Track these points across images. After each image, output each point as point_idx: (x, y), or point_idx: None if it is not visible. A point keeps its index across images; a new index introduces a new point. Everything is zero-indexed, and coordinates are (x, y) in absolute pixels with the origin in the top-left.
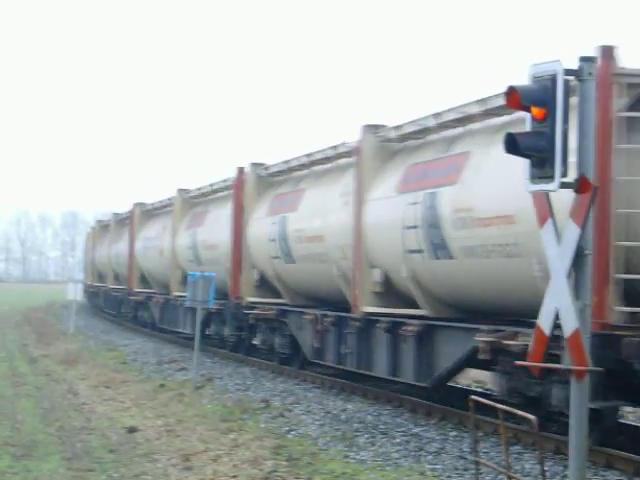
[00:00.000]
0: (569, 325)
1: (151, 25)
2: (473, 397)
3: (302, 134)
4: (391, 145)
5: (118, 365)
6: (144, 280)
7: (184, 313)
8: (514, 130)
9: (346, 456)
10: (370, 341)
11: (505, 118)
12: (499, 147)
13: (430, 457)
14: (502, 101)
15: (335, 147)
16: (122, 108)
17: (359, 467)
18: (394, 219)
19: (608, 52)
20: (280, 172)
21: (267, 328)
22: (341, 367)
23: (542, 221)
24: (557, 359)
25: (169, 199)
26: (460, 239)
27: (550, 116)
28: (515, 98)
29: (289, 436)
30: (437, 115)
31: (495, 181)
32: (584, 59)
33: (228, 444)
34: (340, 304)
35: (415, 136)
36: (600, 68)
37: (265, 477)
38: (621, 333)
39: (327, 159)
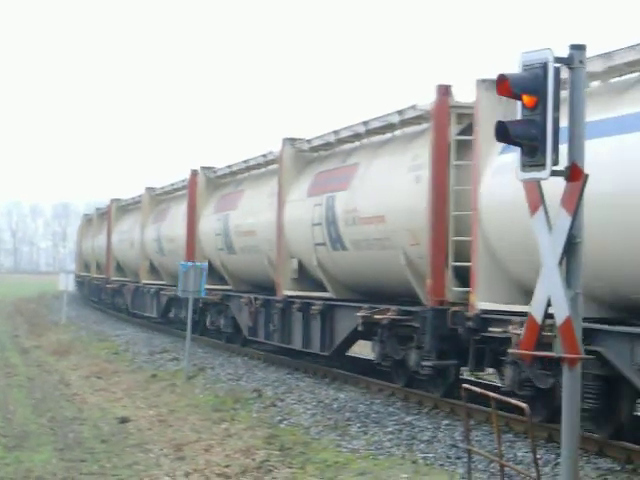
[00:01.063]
0: (561, 313)
1: (132, 21)
2: (465, 386)
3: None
4: (306, 155)
5: (110, 355)
6: (120, 269)
7: (150, 299)
8: (394, 145)
9: (338, 445)
10: (289, 319)
11: (388, 135)
12: (379, 160)
13: (422, 446)
14: (395, 118)
15: (265, 155)
16: (113, 100)
17: (351, 456)
18: (305, 217)
19: (444, 90)
20: (225, 175)
21: (215, 311)
22: (269, 342)
23: (533, 210)
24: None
25: (139, 196)
26: (350, 234)
27: (541, 104)
28: (506, 86)
29: (281, 425)
30: (336, 132)
31: (373, 188)
32: (574, 47)
33: (220, 434)
34: (272, 289)
35: (324, 148)
36: (438, 103)
37: (257, 467)
38: (452, 308)
39: (259, 165)
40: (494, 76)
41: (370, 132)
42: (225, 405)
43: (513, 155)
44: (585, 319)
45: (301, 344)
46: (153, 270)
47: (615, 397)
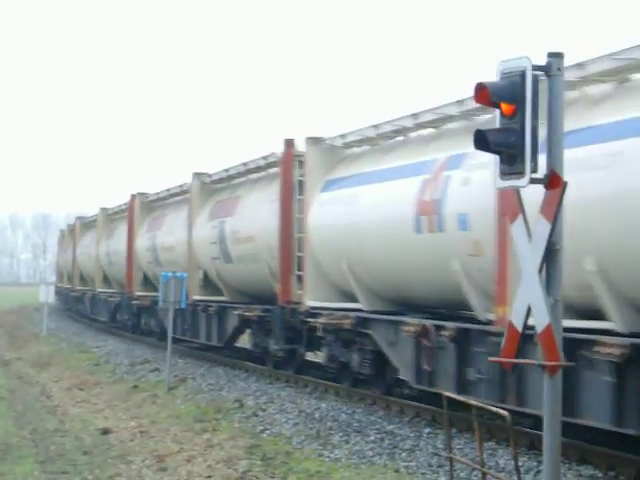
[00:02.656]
0: (541, 321)
1: (121, 30)
2: (446, 394)
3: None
4: (209, 187)
5: (91, 367)
6: (83, 279)
7: (103, 305)
8: (263, 182)
9: (320, 454)
10: (197, 319)
11: (262, 173)
12: (253, 193)
13: (404, 454)
14: (262, 162)
15: (181, 186)
16: (93, 108)
17: (333, 465)
18: (206, 237)
19: (289, 142)
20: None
21: (147, 314)
22: (184, 338)
23: (512, 218)
24: None
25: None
26: (235, 251)
27: (519, 112)
28: (484, 95)
29: (263, 435)
30: (227, 170)
31: (249, 215)
32: (552, 55)
33: (202, 444)
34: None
35: (221, 182)
36: (285, 153)
37: (240, 477)
38: (294, 306)
39: (182, 192)
40: (319, 134)
41: (249, 171)
42: (207, 415)
43: (331, 193)
44: (364, 311)
45: (205, 338)
46: (106, 279)
47: (382, 365)
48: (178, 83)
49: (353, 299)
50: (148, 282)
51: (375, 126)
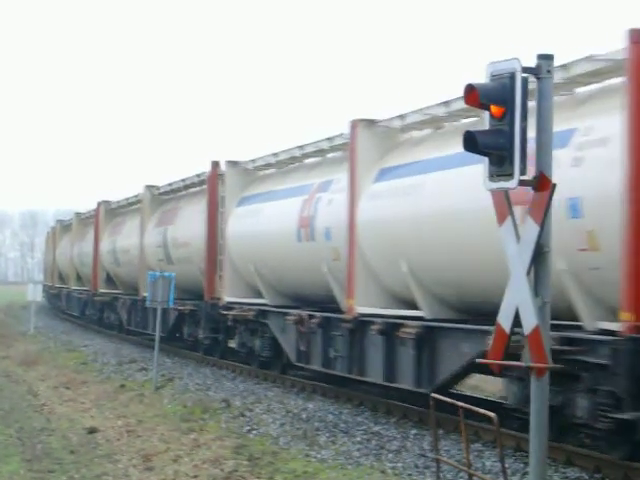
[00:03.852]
0: (529, 322)
1: (111, 22)
2: (433, 395)
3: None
4: (159, 197)
5: (78, 366)
6: (61, 277)
7: (75, 301)
8: (198, 196)
9: (307, 455)
10: (146, 313)
11: (197, 188)
12: (190, 206)
13: (391, 455)
14: (196, 179)
15: (136, 196)
16: (80, 108)
17: (320, 466)
18: (153, 242)
19: (215, 164)
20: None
21: (108, 308)
22: (131, 328)
23: (501, 219)
24: None
25: (70, 219)
26: (175, 254)
27: (509, 114)
28: (474, 96)
29: (250, 435)
30: (171, 184)
31: (185, 224)
32: (542, 57)
33: (189, 444)
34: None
35: (167, 194)
36: (211, 173)
37: (226, 477)
38: (216, 301)
39: (136, 202)
40: (238, 158)
41: (187, 186)
42: (193, 415)
43: (245, 207)
44: (265, 304)
45: (152, 329)
46: (79, 278)
47: (279, 348)
48: (163, 86)
49: (260, 295)
50: (110, 280)
51: (275, 154)
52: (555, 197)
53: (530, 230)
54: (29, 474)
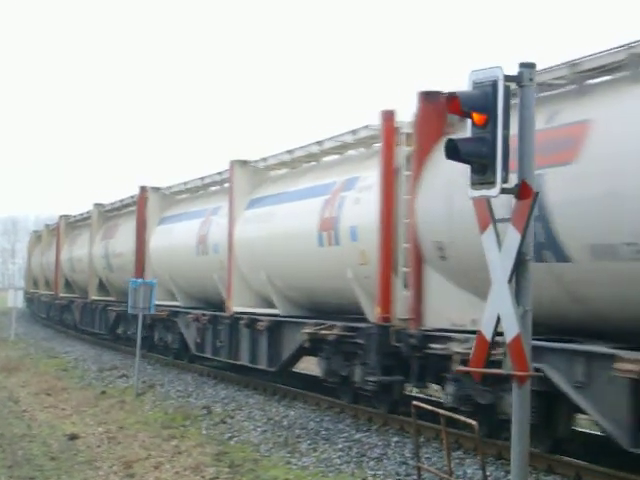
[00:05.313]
0: (510, 330)
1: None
2: (415, 403)
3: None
4: (105, 214)
5: (59, 372)
6: (35, 283)
7: (43, 304)
8: (130, 216)
9: (288, 462)
10: (94, 314)
11: (131, 208)
12: (126, 223)
13: (372, 463)
14: (130, 200)
15: (88, 212)
16: (60, 113)
17: (301, 473)
18: (99, 253)
19: (143, 189)
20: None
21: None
22: (87, 328)
23: (483, 227)
24: None
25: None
26: (114, 263)
27: (491, 122)
28: (456, 104)
29: (231, 442)
30: (112, 204)
31: (123, 237)
32: (524, 65)
33: (170, 451)
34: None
35: (111, 212)
36: (140, 196)
37: None
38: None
39: (88, 218)
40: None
41: (125, 206)
42: (175, 422)
43: (165, 226)
44: (179, 306)
45: (97, 328)
46: (47, 283)
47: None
48: (154, 85)
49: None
50: (69, 285)
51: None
52: (343, 225)
53: (512, 238)
54: None
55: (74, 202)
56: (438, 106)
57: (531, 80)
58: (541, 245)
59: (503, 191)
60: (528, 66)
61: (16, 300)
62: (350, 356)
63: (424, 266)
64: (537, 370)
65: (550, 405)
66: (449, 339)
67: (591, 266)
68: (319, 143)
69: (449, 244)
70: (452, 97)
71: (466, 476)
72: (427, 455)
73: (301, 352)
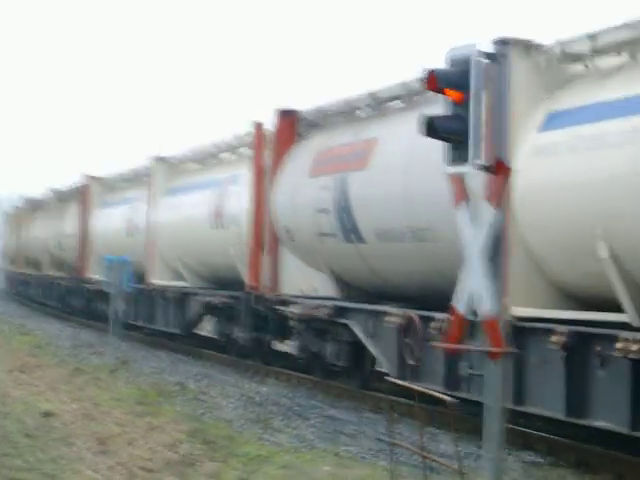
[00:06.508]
0: (484, 307)
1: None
2: (389, 378)
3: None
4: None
5: (33, 349)
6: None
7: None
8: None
9: (261, 438)
10: (50, 288)
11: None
12: (74, 206)
13: (345, 438)
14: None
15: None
16: (37, 86)
17: (274, 449)
18: (50, 234)
19: (88, 178)
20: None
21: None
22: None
23: (458, 203)
24: None
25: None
26: (64, 244)
27: (466, 99)
28: (433, 81)
29: (205, 419)
30: (63, 188)
31: (70, 223)
32: (499, 42)
33: (144, 427)
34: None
35: (65, 196)
36: (82, 187)
37: (181, 460)
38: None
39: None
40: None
41: (72, 192)
42: (148, 398)
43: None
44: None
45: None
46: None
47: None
48: (140, 58)
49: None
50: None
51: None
52: (227, 212)
53: (487, 214)
54: None
55: (62, 176)
56: (292, 121)
57: (505, 57)
58: (348, 230)
59: (478, 167)
60: (503, 43)
61: None
62: (232, 319)
63: (279, 246)
64: (342, 325)
65: (357, 352)
66: (291, 303)
67: (377, 246)
68: (215, 144)
69: (294, 228)
70: (430, 74)
71: (439, 451)
72: (400, 431)
73: (201, 316)
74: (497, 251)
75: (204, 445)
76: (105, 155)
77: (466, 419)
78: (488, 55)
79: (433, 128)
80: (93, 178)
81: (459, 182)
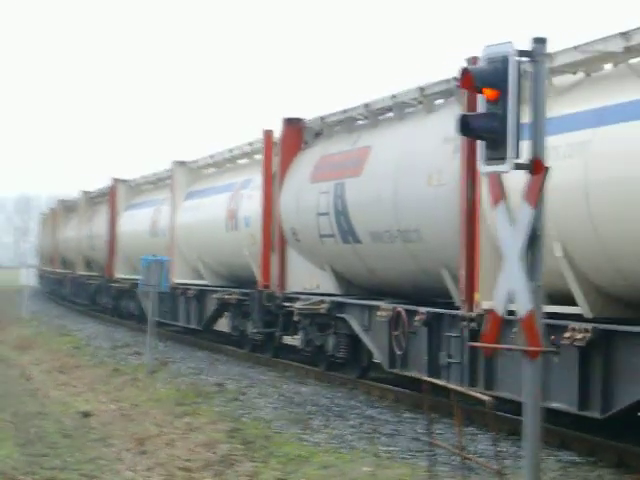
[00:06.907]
0: (523, 306)
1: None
2: (427, 378)
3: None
4: (92, 200)
5: (72, 350)
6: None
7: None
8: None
9: (300, 439)
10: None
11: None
12: (103, 210)
13: (384, 439)
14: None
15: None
16: (73, 91)
17: (313, 449)
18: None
19: (115, 181)
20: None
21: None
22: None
23: (495, 202)
24: None
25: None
26: (96, 245)
27: (502, 98)
28: (468, 80)
29: (244, 419)
30: (95, 191)
31: (101, 223)
32: (537, 40)
33: (182, 428)
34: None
35: (96, 199)
36: (110, 191)
37: (220, 460)
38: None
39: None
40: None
41: (102, 195)
42: (187, 399)
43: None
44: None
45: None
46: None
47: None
48: (163, 70)
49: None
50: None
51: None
52: (240, 215)
53: (525, 213)
54: (23, 458)
55: (91, 179)
56: (297, 128)
57: (543, 55)
58: (346, 232)
59: (515, 166)
60: (540, 41)
61: (29, 278)
62: (246, 315)
63: (286, 246)
64: (341, 319)
65: (355, 344)
66: (297, 299)
67: (372, 246)
68: (230, 150)
69: (299, 229)
70: (465, 73)
71: (478, 451)
72: (439, 431)
73: (218, 313)
74: (533, 250)
75: (243, 445)
76: (134, 159)
77: (506, 419)
78: (526, 53)
79: (468, 126)
80: (120, 181)
81: (496, 181)
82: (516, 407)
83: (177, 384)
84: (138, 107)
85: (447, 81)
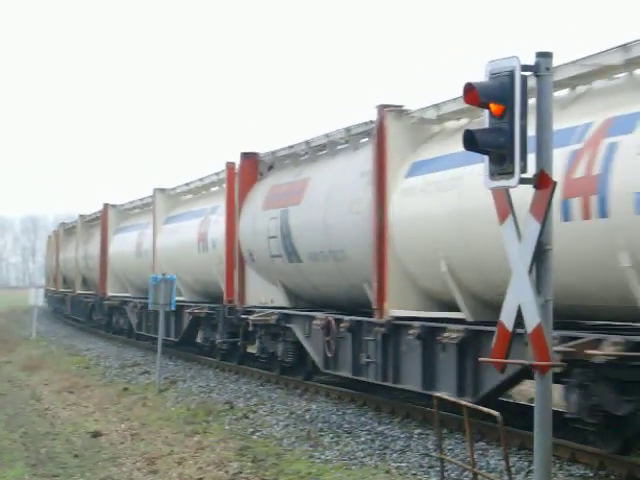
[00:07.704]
0: (531, 321)
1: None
2: (436, 394)
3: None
4: (88, 224)
5: (81, 370)
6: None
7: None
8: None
9: (311, 456)
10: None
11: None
12: (97, 232)
13: (395, 455)
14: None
15: (75, 221)
16: (78, 115)
17: (324, 467)
18: (81, 255)
19: (106, 206)
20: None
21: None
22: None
23: (502, 218)
24: None
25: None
26: (90, 264)
27: (508, 112)
28: (473, 95)
29: (254, 437)
30: (90, 215)
31: (95, 244)
32: (541, 55)
33: (193, 446)
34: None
35: (91, 222)
36: (102, 214)
37: (231, 479)
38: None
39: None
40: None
41: (96, 218)
42: (197, 418)
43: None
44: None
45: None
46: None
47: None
48: (165, 86)
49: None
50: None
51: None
52: (209, 238)
53: (532, 228)
54: (34, 478)
55: (93, 201)
56: (253, 161)
57: (547, 69)
58: (290, 253)
59: (522, 181)
60: (544, 55)
61: (37, 298)
62: (214, 327)
63: (245, 265)
64: (289, 329)
65: (301, 350)
66: (253, 312)
67: (311, 265)
68: (201, 179)
69: (255, 250)
70: (470, 88)
71: (489, 467)
72: (450, 446)
73: (192, 326)
74: (541, 264)
75: (254, 463)
76: (127, 184)
77: (516, 434)
78: (529, 67)
79: (474, 141)
80: (110, 206)
81: (502, 197)
82: (527, 422)
83: (187, 403)
84: (133, 135)
85: (366, 123)
